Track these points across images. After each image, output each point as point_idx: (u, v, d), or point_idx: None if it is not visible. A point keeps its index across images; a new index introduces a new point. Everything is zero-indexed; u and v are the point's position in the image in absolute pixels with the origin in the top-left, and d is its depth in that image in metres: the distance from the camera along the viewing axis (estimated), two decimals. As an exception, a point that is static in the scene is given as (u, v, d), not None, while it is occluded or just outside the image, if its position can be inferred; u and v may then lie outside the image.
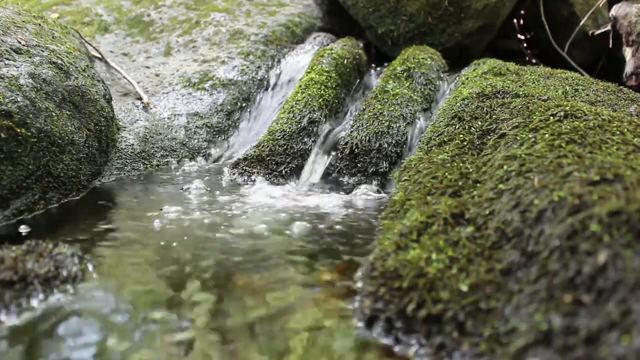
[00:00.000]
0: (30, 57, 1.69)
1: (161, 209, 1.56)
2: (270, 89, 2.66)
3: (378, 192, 1.86)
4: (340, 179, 2.01)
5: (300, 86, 2.36)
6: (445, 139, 1.66)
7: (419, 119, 2.16)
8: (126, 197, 1.73)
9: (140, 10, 3.31)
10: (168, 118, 2.34)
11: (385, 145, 2.02)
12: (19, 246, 1.12)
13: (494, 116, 1.66)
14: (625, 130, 1.27)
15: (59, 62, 1.77)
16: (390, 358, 0.88)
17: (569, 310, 0.76)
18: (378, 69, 2.83)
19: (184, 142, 2.27)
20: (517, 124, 1.46)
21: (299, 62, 2.73)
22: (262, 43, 2.86)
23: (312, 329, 0.96)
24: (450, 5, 2.88)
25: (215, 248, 1.30)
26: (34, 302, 0.98)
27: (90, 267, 1.15)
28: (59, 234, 1.38)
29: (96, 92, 1.91)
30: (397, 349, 0.90)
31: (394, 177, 1.73)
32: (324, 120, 2.23)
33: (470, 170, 1.39)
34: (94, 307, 0.99)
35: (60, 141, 1.61)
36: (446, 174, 1.38)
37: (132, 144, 2.10)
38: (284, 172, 2.04)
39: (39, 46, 1.77)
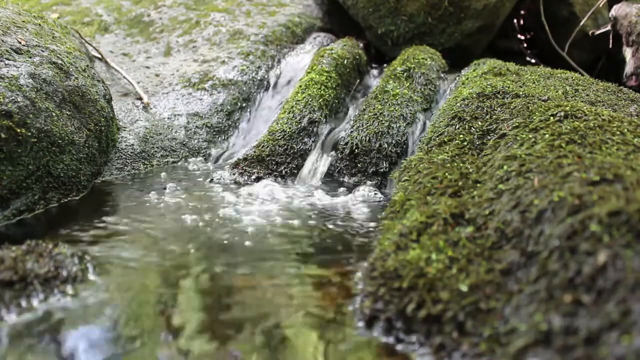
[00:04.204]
0: (30, 57, 1.69)
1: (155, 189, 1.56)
2: (270, 89, 2.66)
3: (378, 192, 1.86)
4: (341, 179, 2.01)
5: (300, 86, 2.36)
6: (445, 139, 1.66)
7: (419, 119, 2.16)
8: (126, 197, 1.73)
9: (140, 10, 3.31)
10: (168, 118, 2.34)
11: (385, 146, 2.02)
12: (19, 246, 1.12)
13: (494, 116, 1.66)
14: (625, 130, 1.27)
15: (59, 62, 1.77)
16: (390, 358, 0.88)
17: (569, 311, 0.76)
18: (378, 69, 2.83)
19: (184, 142, 2.27)
20: (517, 124, 1.46)
21: (299, 62, 2.73)
22: (262, 43, 2.86)
23: (312, 329, 0.96)
24: (450, 6, 2.88)
25: (215, 248, 1.30)
26: (34, 302, 0.98)
27: (90, 267, 1.15)
28: (59, 234, 1.38)
29: (96, 92, 1.91)
30: (397, 348, 0.90)
31: (394, 177, 1.73)
32: (324, 120, 2.23)
33: (470, 170, 1.39)
34: (94, 308, 0.99)
35: (60, 141, 1.61)
36: (446, 174, 1.38)
37: (132, 144, 2.10)
38: (284, 172, 2.04)
39: (39, 46, 1.77)
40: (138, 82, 2.56)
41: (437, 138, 1.70)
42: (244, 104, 2.55)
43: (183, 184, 1.89)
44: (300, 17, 3.20)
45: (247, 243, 1.34)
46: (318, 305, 1.04)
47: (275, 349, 0.89)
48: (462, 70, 2.43)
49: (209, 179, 1.95)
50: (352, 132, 2.08)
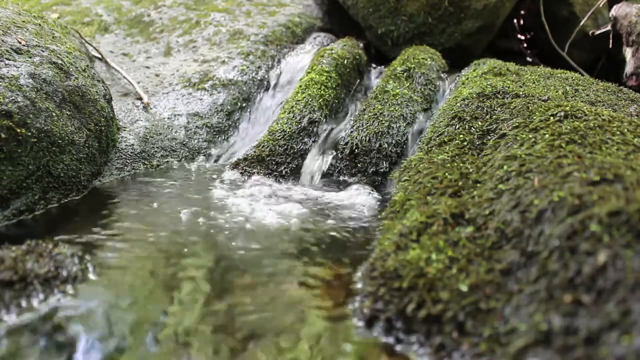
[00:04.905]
0: (30, 57, 1.69)
1: (180, 211, 1.56)
2: (270, 89, 2.66)
3: (378, 192, 1.86)
4: (341, 179, 2.01)
5: (300, 86, 2.36)
6: (445, 139, 1.66)
7: (419, 119, 2.16)
8: (126, 197, 1.73)
9: (140, 10, 3.31)
10: (168, 118, 2.34)
11: (386, 146, 2.02)
12: (19, 246, 1.12)
13: (494, 116, 1.66)
14: (625, 130, 1.27)
15: (59, 62, 1.77)
16: (390, 358, 0.88)
17: (569, 311, 0.76)
18: (378, 69, 2.83)
19: (184, 142, 2.27)
20: (517, 124, 1.46)
21: (299, 62, 2.73)
22: (262, 43, 2.86)
23: (312, 329, 0.96)
24: (450, 6, 2.88)
25: (215, 247, 1.30)
26: (34, 302, 0.98)
27: (90, 268, 1.15)
28: (59, 234, 1.38)
29: (96, 92, 1.91)
30: (397, 348, 0.90)
31: (394, 177, 1.73)
32: (324, 120, 2.23)
33: (470, 170, 1.39)
34: (94, 308, 0.99)
35: (60, 141, 1.61)
36: (446, 174, 1.38)
37: (132, 144, 2.10)
38: (284, 172, 2.04)
39: (39, 46, 1.77)
40: (138, 82, 2.56)
41: (437, 138, 1.70)
42: (244, 104, 2.55)
43: (183, 184, 1.89)
44: (300, 17, 3.20)
45: (246, 243, 1.34)
46: (318, 305, 1.04)
47: (275, 349, 0.89)
48: (462, 70, 2.43)
49: (220, 180, 1.94)
50: (352, 132, 2.08)
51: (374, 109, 2.15)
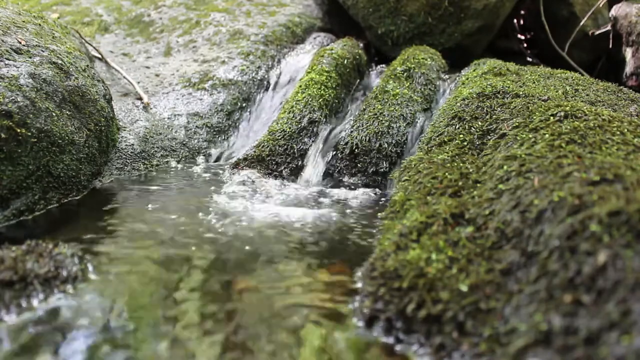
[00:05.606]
0: (30, 57, 1.69)
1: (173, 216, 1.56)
2: (270, 89, 2.66)
3: (378, 192, 1.86)
4: (340, 179, 2.01)
5: (300, 86, 2.36)
6: (445, 139, 1.66)
7: (419, 119, 2.16)
8: (126, 197, 1.73)
9: (140, 10, 3.31)
10: (168, 118, 2.34)
11: (386, 145, 2.02)
12: (19, 246, 1.12)
13: (494, 116, 1.66)
14: (625, 130, 1.27)
15: (59, 62, 1.77)
16: (390, 358, 0.88)
17: (569, 311, 0.76)
18: (378, 69, 2.83)
19: (184, 142, 2.27)
20: (517, 124, 1.46)
21: (299, 62, 2.73)
22: (262, 43, 2.86)
23: (311, 329, 0.96)
24: (450, 6, 2.88)
25: (215, 248, 1.30)
26: (34, 302, 0.98)
27: (90, 268, 1.15)
28: (59, 234, 1.38)
29: (96, 92, 1.91)
30: (397, 348, 0.90)
31: (394, 177, 1.73)
32: (324, 120, 2.23)
33: (470, 170, 1.39)
34: (94, 308, 0.99)
35: (60, 141, 1.61)
36: (446, 174, 1.38)
37: (132, 144, 2.10)
38: (284, 172, 2.04)
39: (39, 46, 1.77)
40: (138, 82, 2.56)
41: (437, 138, 1.70)
42: (244, 104, 2.55)
43: (183, 184, 1.89)
44: (300, 17, 3.20)
45: (246, 243, 1.34)
46: (318, 305, 1.04)
47: (275, 350, 0.89)
48: (462, 70, 2.43)
49: (219, 180, 1.94)
50: (352, 132, 2.08)
51: (374, 108, 2.15)
